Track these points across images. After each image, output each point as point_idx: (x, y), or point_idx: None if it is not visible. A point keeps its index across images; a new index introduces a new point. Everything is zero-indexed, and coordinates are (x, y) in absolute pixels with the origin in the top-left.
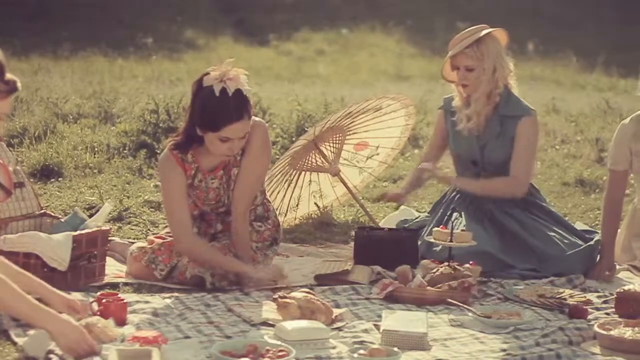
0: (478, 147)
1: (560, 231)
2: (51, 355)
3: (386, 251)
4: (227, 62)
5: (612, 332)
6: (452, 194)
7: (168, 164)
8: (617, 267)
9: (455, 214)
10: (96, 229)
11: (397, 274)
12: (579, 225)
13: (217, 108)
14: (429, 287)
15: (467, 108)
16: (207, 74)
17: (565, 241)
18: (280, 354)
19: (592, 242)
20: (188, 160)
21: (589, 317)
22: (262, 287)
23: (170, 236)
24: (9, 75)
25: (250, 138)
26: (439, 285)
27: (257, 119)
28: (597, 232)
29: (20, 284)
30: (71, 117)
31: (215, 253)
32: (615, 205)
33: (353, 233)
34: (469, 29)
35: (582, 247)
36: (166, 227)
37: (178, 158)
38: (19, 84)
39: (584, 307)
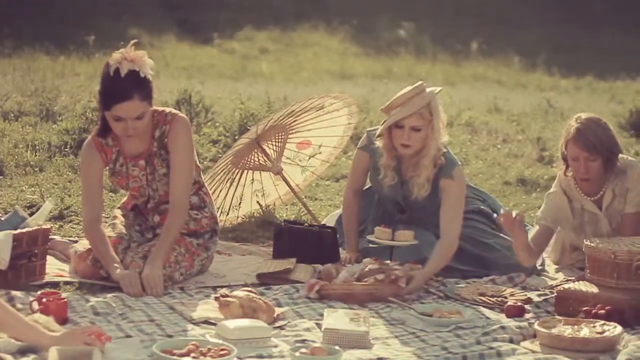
0: (402, 195)
1: (499, 234)
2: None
3: (304, 246)
4: (130, 44)
5: (552, 330)
6: None
7: (87, 149)
8: (556, 267)
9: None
10: (37, 227)
11: (322, 273)
12: None
13: (108, 87)
14: (355, 282)
15: (397, 167)
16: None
17: (506, 244)
18: (222, 352)
19: None
20: (109, 144)
21: (529, 315)
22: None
23: (110, 235)
24: None
25: (171, 131)
26: (365, 279)
27: (179, 113)
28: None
29: None
30: (12, 114)
31: (101, 246)
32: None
33: None
34: (411, 87)
35: None
36: (109, 225)
37: (98, 142)
38: None
39: (520, 305)
